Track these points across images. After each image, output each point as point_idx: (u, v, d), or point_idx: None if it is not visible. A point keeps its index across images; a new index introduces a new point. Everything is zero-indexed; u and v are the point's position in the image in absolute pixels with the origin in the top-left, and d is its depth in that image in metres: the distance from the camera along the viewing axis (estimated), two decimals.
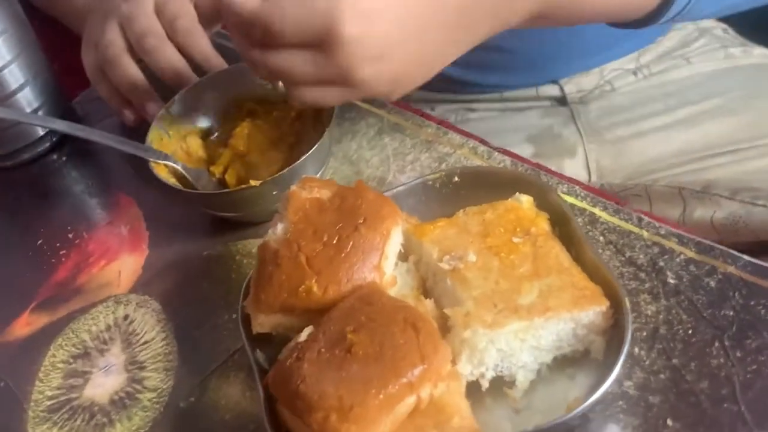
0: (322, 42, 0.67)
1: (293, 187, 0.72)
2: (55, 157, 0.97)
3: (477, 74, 1.27)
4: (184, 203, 0.86)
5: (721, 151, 1.18)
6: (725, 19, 1.33)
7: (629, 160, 1.21)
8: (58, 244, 0.87)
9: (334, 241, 0.68)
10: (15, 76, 0.91)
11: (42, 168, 0.96)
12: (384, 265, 0.69)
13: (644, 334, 0.69)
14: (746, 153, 1.17)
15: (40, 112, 0.94)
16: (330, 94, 0.71)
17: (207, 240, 0.84)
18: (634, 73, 1.27)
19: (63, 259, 0.85)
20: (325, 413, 0.60)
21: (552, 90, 1.27)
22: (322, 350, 0.63)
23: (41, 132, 0.96)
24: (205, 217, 0.86)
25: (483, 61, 1.27)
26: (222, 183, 0.84)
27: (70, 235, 0.87)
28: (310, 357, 0.62)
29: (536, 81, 1.27)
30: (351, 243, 0.68)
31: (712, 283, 0.71)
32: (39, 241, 0.88)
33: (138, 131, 0.87)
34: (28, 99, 0.93)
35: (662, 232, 0.75)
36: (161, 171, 0.81)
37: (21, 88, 0.92)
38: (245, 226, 0.84)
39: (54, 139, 0.97)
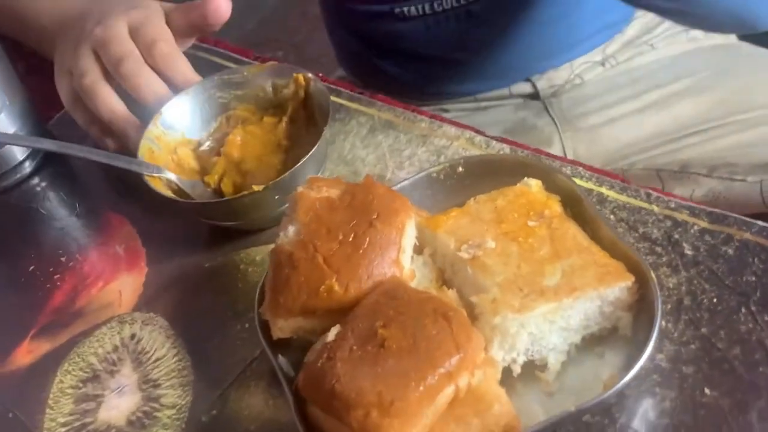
0: None
1: (301, 188, 0.71)
2: (36, 181, 0.94)
3: (454, 85, 1.28)
4: (180, 216, 0.84)
5: (693, 130, 1.20)
6: None
7: (605, 146, 1.22)
8: (51, 269, 0.84)
9: (350, 239, 0.67)
10: None
11: (24, 193, 0.93)
12: (402, 259, 0.68)
13: (669, 306, 0.69)
14: (718, 131, 1.19)
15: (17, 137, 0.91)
16: None
17: (207, 252, 0.82)
18: (602, 64, 1.28)
19: (58, 284, 0.83)
20: (364, 410, 0.58)
21: (524, 87, 1.28)
22: (354, 348, 0.61)
23: (20, 157, 0.93)
24: (202, 229, 0.84)
25: (459, 73, 1.28)
26: (218, 193, 0.83)
27: (63, 259, 0.85)
28: (341, 356, 0.61)
29: (509, 82, 1.28)
30: (367, 239, 0.67)
31: (730, 251, 0.71)
32: (31, 267, 0.85)
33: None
34: (4, 124, 0.90)
35: (672, 205, 0.75)
36: (157, 184, 0.79)
37: None
38: (245, 235, 0.82)
39: (34, 163, 0.94)
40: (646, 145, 1.20)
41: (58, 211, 0.91)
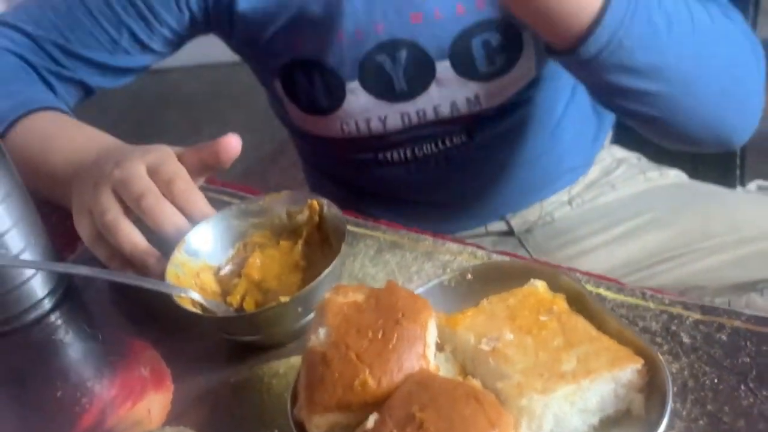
0: None
1: (328, 295, 0.76)
2: (56, 315, 0.98)
3: (433, 225, 1.36)
4: (202, 335, 0.88)
5: (661, 258, 1.28)
6: (637, 148, 1.46)
7: None
8: (78, 394, 0.87)
9: (379, 336, 0.72)
10: (14, 242, 0.93)
11: (45, 328, 0.96)
12: (428, 353, 0.73)
13: (675, 388, 0.74)
14: (684, 258, 1.27)
15: (38, 276, 0.96)
16: None
17: (231, 367, 0.86)
18: (569, 203, 1.38)
19: (87, 407, 0.85)
20: None
21: (500, 225, 1.37)
22: None
23: (40, 295, 0.97)
24: (223, 347, 0.89)
25: (438, 214, 1.37)
26: (241, 311, 0.87)
27: (89, 384, 0.88)
28: None
29: (485, 222, 1.36)
30: (396, 335, 0.72)
31: (724, 337, 0.77)
32: (58, 393, 0.88)
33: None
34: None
35: (666, 301, 0.82)
36: (184, 303, 0.84)
37: (21, 252, 0.94)
38: (266, 350, 0.87)
39: (53, 300, 0.98)
40: (619, 273, 1.28)
41: (81, 342, 0.95)
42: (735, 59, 1.02)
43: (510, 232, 1.37)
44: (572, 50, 0.92)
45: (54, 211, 1.05)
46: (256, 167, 3.03)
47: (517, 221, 1.37)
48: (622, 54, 0.92)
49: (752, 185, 1.51)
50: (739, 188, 1.51)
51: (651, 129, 1.10)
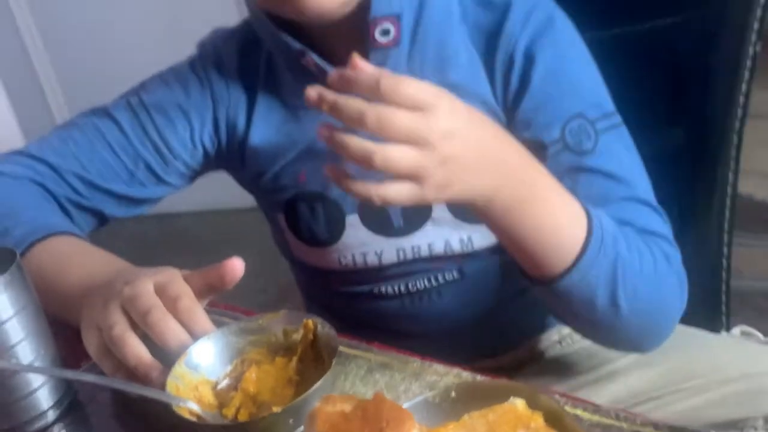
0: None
1: (317, 404, 0.81)
2: (60, 426, 1.02)
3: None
4: None
5: (646, 398, 1.32)
6: None
7: None
8: None
9: None
10: (25, 352, 0.99)
11: None
12: None
13: None
14: (668, 398, 1.31)
15: (44, 387, 1.01)
16: (406, 191, 0.89)
17: None
18: (560, 342, 1.43)
19: None
20: None
21: (490, 363, 1.41)
22: None
23: (45, 406, 1.01)
24: None
25: (431, 349, 1.41)
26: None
27: None
28: None
29: (476, 356, 1.41)
30: None
31: None
32: None
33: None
34: (35, 374, 1.00)
35: (638, 421, 0.87)
36: (184, 412, 0.89)
37: (31, 362, 0.99)
38: None
39: (58, 412, 1.02)
40: None
41: None
42: (666, 299, 1.17)
43: (499, 369, 1.41)
44: (546, 283, 1.06)
45: (61, 331, 1.10)
46: (258, 310, 3.08)
47: (507, 359, 1.42)
48: (588, 290, 1.06)
49: (736, 330, 1.56)
50: (723, 333, 1.56)
51: (580, 333, 1.30)
